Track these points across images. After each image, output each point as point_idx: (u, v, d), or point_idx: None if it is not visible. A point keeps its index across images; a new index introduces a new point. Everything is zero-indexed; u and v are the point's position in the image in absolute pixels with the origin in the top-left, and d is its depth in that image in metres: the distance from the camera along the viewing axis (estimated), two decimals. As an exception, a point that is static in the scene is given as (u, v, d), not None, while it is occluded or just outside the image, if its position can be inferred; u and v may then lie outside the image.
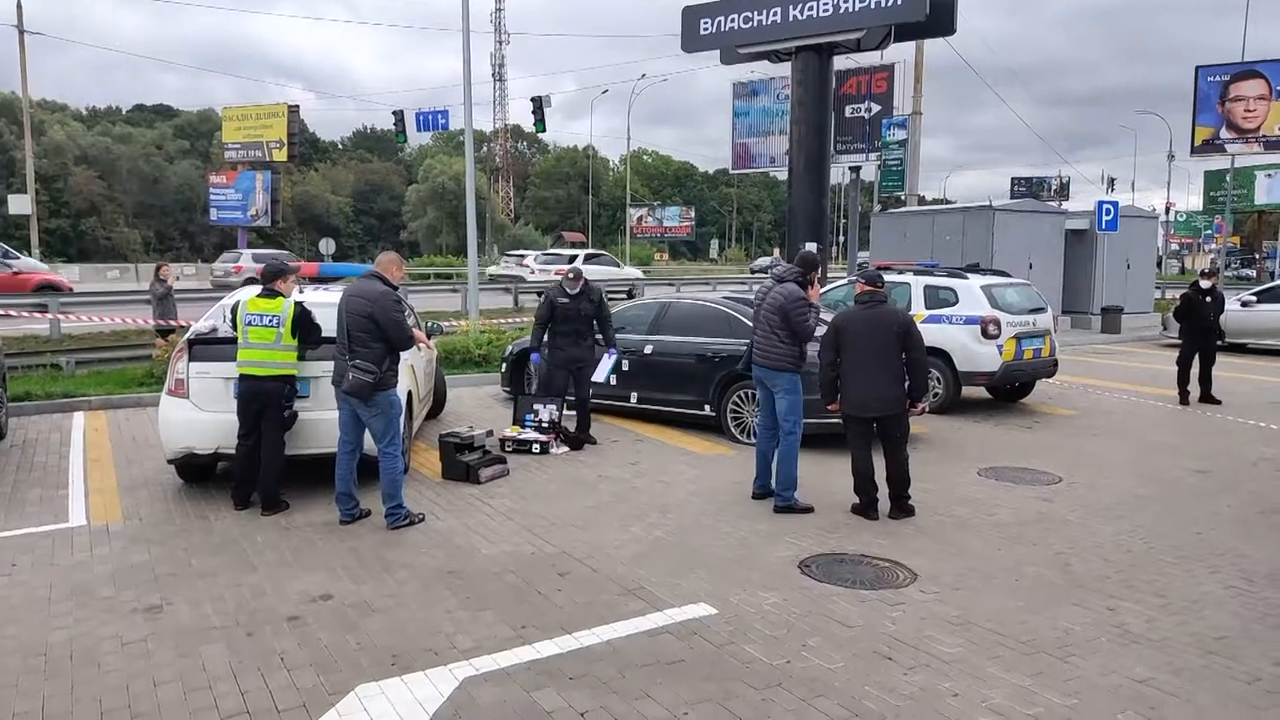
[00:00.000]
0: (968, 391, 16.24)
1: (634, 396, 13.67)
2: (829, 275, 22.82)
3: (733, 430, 12.74)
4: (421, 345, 11.01)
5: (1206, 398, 17.41)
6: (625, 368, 13.70)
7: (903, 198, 38.07)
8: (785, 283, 9.41)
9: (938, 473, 11.24)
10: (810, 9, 20.65)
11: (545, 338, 12.32)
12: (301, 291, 11.08)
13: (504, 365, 15.54)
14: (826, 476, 10.79)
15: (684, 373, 13.09)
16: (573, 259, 46.51)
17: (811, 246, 19.43)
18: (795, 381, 9.38)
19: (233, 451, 9.47)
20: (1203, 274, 17.88)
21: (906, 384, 9.04)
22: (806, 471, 10.43)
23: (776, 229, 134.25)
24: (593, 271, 41.14)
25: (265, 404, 9.19)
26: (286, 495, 9.71)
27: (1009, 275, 17.13)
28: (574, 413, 12.60)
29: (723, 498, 9.93)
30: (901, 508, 9.14)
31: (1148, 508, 9.96)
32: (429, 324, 13.18)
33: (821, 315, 10.66)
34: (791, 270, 9.50)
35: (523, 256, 54.09)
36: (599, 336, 12.33)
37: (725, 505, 9.66)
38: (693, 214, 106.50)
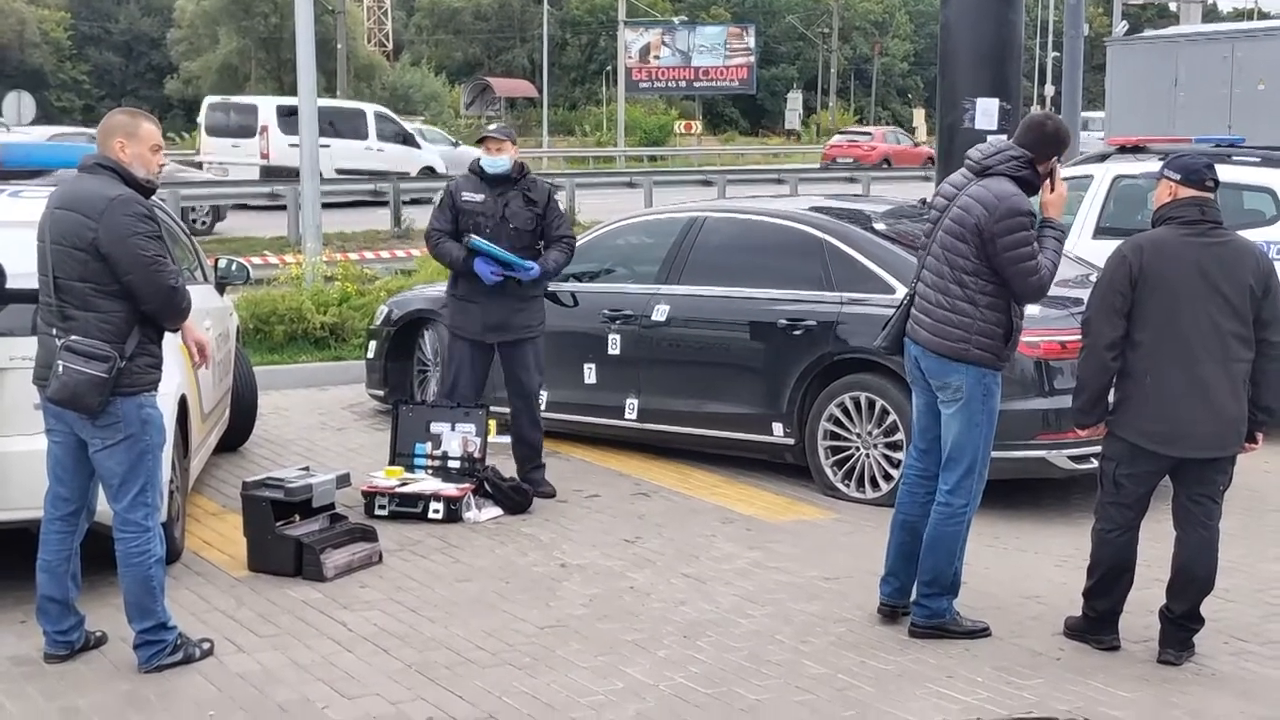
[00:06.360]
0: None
1: (632, 406, 9.65)
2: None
3: (830, 474, 8.78)
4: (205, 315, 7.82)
5: None
6: (615, 350, 9.78)
7: (1173, 7, 30.93)
8: (990, 176, 6.12)
9: (1245, 557, 7.45)
10: None
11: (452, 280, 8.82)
12: None
13: (374, 345, 11.00)
14: (1004, 559, 7.77)
15: (730, 359, 9.44)
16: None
17: (990, 108, 12.79)
18: (987, 386, 6.25)
19: None
20: None
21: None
22: (970, 548, 6.99)
23: (920, 72, 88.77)
24: (391, 157, 30.70)
25: None
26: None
27: None
28: (510, 439, 8.93)
29: (809, 609, 7.16)
30: (1177, 639, 6.18)
31: None
32: (223, 265, 9.76)
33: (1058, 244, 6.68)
34: (1003, 153, 6.15)
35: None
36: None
37: (813, 625, 6.98)
38: (751, 40, 65.01)
